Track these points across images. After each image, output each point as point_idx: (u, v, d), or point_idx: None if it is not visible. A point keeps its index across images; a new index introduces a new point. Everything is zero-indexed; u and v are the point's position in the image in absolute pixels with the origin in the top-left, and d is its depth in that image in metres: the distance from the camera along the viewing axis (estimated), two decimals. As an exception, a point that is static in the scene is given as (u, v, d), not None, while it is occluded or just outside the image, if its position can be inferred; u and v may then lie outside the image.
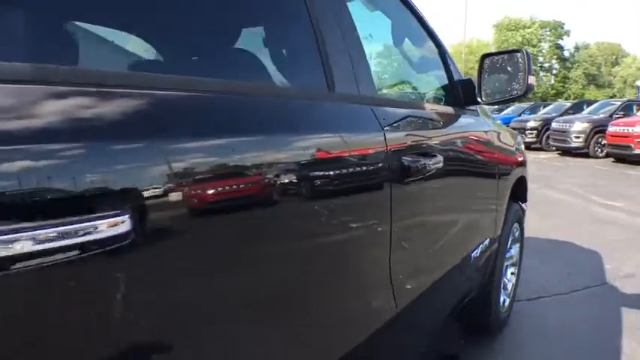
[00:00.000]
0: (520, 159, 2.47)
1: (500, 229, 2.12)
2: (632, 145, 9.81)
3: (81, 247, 0.47)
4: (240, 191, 0.70)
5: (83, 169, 0.49)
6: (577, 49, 46.88)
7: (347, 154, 0.94)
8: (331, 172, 0.89)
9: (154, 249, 0.57)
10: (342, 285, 0.97)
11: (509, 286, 2.53)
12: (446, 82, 1.84)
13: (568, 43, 46.63)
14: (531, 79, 1.72)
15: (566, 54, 46.25)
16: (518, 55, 1.72)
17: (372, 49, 1.36)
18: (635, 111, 11.94)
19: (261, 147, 0.75)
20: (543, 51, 45.25)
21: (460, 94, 1.82)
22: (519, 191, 2.45)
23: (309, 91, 0.98)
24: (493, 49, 40.47)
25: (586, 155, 11.53)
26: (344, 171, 0.93)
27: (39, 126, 0.47)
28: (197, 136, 0.64)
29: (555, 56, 45.66)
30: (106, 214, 0.50)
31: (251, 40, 1.10)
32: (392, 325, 1.11)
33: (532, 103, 19.12)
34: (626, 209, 5.51)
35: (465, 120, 1.78)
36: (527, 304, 2.81)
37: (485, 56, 1.80)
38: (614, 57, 46.43)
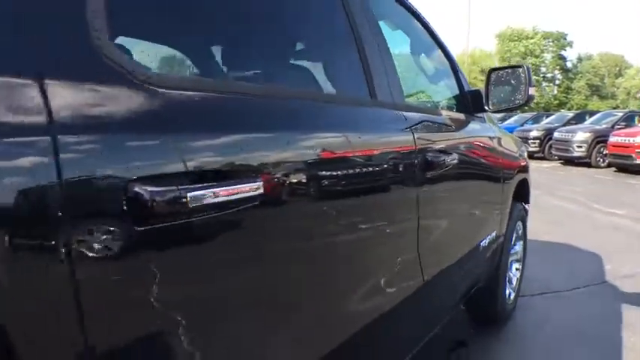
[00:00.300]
0: (522, 163, 2.69)
1: (506, 225, 2.33)
2: (634, 155, 10.00)
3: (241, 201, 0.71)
4: (328, 168, 0.98)
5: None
6: (580, 60, 47.06)
7: (388, 150, 1.19)
8: (377, 162, 1.15)
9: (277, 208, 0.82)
10: (388, 257, 1.25)
11: (514, 281, 2.73)
12: (457, 91, 2.07)
13: (571, 54, 46.98)
14: (532, 91, 1.97)
15: (569, 65, 46.46)
16: (520, 69, 1.96)
17: (397, 62, 1.59)
18: (636, 122, 12.14)
19: (341, 144, 1.04)
20: (546, 61, 45.46)
21: (470, 103, 2.04)
22: (522, 193, 2.67)
23: (360, 99, 1.22)
24: (496, 59, 40.54)
25: (588, 165, 11.70)
26: (385, 162, 1.18)
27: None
28: (297, 131, 0.91)
29: (558, 67, 45.86)
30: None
31: (319, 59, 1.35)
32: (420, 293, 1.34)
33: (535, 113, 19.34)
34: (626, 216, 5.69)
35: (474, 125, 2.00)
36: (531, 299, 3.01)
37: (492, 70, 2.04)
38: (617, 68, 46.56)
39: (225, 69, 1.23)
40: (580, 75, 45.52)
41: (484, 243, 1.99)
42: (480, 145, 1.97)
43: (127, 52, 0.85)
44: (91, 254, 0.53)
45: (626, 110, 15.56)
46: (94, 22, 0.58)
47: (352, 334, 1.08)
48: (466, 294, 1.94)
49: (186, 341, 0.66)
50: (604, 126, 12.35)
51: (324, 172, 0.94)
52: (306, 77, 1.23)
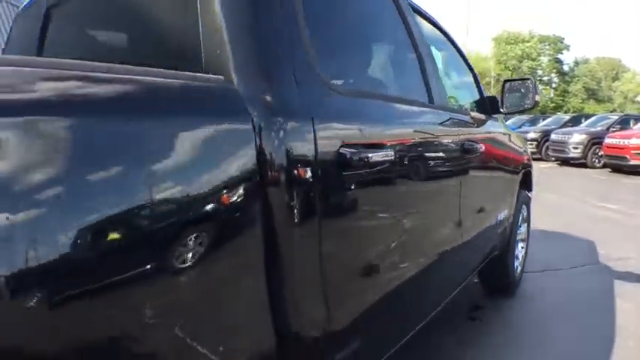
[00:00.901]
0: (527, 157, 3.18)
1: (514, 205, 2.82)
2: (628, 157, 10.52)
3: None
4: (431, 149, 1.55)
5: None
6: (577, 63, 47.53)
7: (446, 140, 1.69)
8: (445, 148, 1.69)
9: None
10: (443, 215, 1.77)
11: (520, 257, 3.21)
12: (477, 96, 2.55)
13: (567, 58, 47.46)
14: (537, 97, 2.47)
15: (566, 68, 46.95)
16: (529, 81, 2.50)
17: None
18: (631, 125, 12.64)
19: (425, 134, 1.55)
20: (542, 65, 45.99)
21: (488, 105, 2.53)
22: (527, 182, 3.16)
23: (425, 103, 1.71)
24: (492, 62, 40.76)
25: (584, 165, 12.21)
26: (446, 148, 1.70)
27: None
28: (407, 123, 1.44)
29: (555, 70, 46.35)
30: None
31: (406, 77, 1.86)
32: (460, 247, 1.83)
33: (532, 115, 19.86)
34: (618, 211, 6.19)
35: (492, 123, 2.49)
36: (534, 275, 3.49)
37: (505, 81, 2.56)
38: (614, 72, 47.01)
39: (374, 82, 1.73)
40: (577, 78, 45.90)
41: (500, 217, 2.48)
42: (497, 140, 2.46)
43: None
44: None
45: (622, 114, 16.10)
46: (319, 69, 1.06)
47: (431, 263, 1.62)
48: (486, 257, 2.42)
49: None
50: (599, 128, 12.85)
51: (421, 149, 1.49)
52: (407, 90, 1.78)
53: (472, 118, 2.21)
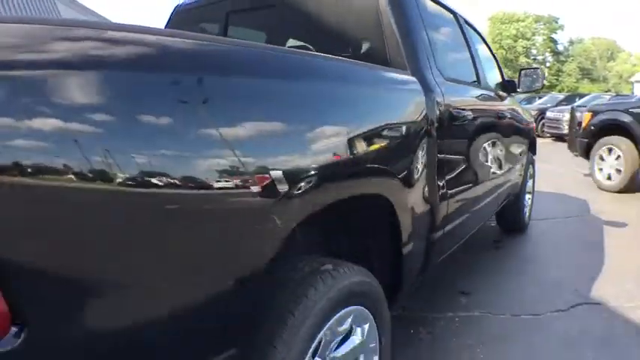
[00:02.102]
0: (533, 126, 4.08)
1: (525, 163, 3.73)
2: (616, 132, 11.44)
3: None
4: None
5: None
6: (571, 43, 47.94)
7: (489, 107, 2.59)
8: (489, 111, 2.58)
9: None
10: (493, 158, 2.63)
11: (528, 205, 4.13)
12: (499, 80, 3.41)
13: (562, 38, 47.77)
14: (544, 81, 3.37)
15: (560, 48, 47.39)
16: (539, 70, 3.39)
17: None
18: (620, 102, 13.54)
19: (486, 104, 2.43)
20: (537, 44, 46.43)
21: (507, 87, 3.39)
22: (533, 147, 4.06)
23: (477, 85, 2.58)
24: (489, 41, 41.52)
25: (577, 141, 13.16)
26: (491, 112, 2.60)
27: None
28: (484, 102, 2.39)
29: (549, 49, 46.79)
30: None
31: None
32: (500, 179, 2.80)
33: (527, 94, 20.71)
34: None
35: (510, 100, 3.36)
36: (538, 221, 4.41)
37: (521, 69, 3.44)
38: (609, 52, 47.42)
39: (467, 77, 2.55)
40: (571, 58, 46.37)
41: (517, 168, 3.39)
42: (515, 110, 3.35)
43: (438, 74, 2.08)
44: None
45: (613, 95, 16.96)
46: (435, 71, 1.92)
47: (488, 185, 2.55)
48: (506, 198, 3.32)
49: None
50: (591, 106, 13.74)
51: (480, 110, 2.39)
52: (469, 77, 2.61)
53: (498, 95, 3.07)
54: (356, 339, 1.32)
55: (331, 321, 1.18)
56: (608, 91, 36.51)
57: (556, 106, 15.48)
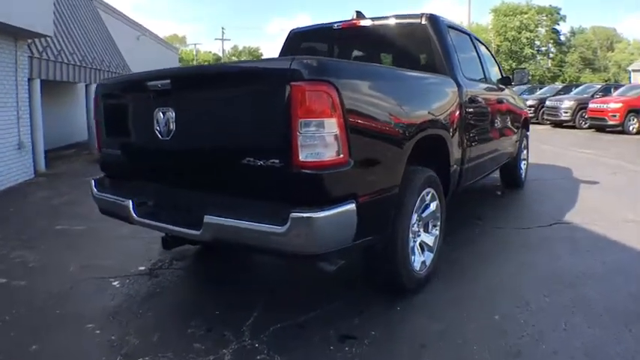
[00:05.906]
0: (526, 111, 5.54)
1: (520, 135, 5.18)
2: (607, 118, 12.83)
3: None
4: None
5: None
6: (573, 33, 48.06)
7: (494, 96, 4.05)
8: (495, 98, 4.06)
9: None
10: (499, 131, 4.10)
11: (523, 168, 5.58)
12: (499, 76, 4.82)
13: (564, 28, 48.04)
14: (529, 78, 4.84)
15: (562, 38, 47.51)
16: (526, 70, 4.87)
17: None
18: (612, 93, 14.85)
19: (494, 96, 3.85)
20: (540, 35, 46.84)
21: (505, 80, 4.80)
22: (526, 124, 5.51)
23: (485, 80, 4.01)
24: (492, 34, 41.76)
25: (573, 127, 14.56)
26: (497, 99, 4.08)
27: None
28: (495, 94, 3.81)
29: (552, 40, 47.07)
30: None
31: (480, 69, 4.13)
32: (504, 142, 4.29)
33: (529, 85, 21.94)
34: (592, 154, 8.57)
35: (508, 90, 4.78)
36: (531, 181, 5.84)
37: (514, 70, 4.87)
38: (608, 42, 47.72)
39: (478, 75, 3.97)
40: (573, 48, 46.62)
41: (514, 138, 4.84)
42: (513, 97, 4.80)
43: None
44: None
45: (604, 83, 18.23)
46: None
47: (497, 144, 3.96)
48: (508, 158, 4.77)
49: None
50: (585, 95, 15.09)
51: (489, 98, 3.84)
52: (480, 75, 3.99)
53: (499, 87, 4.49)
54: (432, 208, 2.77)
55: (422, 193, 2.62)
56: (608, 80, 37.00)
57: (554, 95, 16.78)
